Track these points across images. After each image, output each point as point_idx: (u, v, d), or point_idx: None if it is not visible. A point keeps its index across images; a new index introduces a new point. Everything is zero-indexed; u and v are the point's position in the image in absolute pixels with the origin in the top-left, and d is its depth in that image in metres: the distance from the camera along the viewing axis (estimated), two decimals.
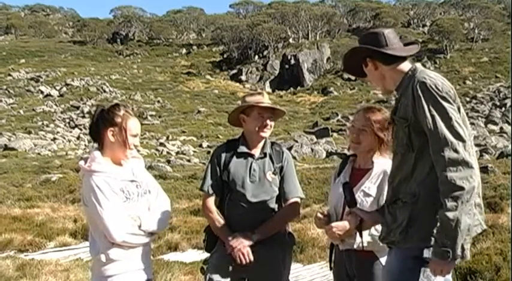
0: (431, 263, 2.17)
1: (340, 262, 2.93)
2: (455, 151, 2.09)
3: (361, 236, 2.70)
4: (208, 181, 3.16)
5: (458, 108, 2.21)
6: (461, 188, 2.07)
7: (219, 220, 3.12)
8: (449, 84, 2.23)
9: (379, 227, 2.62)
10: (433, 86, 2.16)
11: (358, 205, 2.74)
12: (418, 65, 2.35)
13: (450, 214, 2.07)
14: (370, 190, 2.79)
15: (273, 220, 3.11)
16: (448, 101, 2.16)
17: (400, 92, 2.32)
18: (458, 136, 2.11)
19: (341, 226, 2.77)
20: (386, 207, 2.39)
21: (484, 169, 13.34)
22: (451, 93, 2.19)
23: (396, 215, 2.30)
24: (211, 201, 3.17)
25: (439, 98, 2.15)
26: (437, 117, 2.12)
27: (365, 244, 2.75)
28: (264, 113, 3.11)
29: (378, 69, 2.40)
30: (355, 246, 2.78)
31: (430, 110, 2.13)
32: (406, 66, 2.36)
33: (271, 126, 3.15)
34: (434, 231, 2.15)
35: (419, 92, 2.16)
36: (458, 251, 2.10)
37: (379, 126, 2.80)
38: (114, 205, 2.59)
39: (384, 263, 2.76)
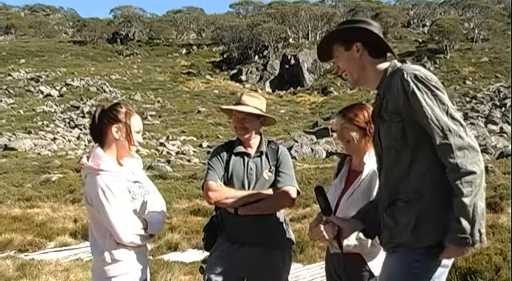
0: (448, 250, 2.15)
1: (330, 261, 2.93)
2: (460, 136, 2.09)
3: (340, 247, 2.55)
4: (216, 172, 3.11)
5: None
6: (473, 173, 2.07)
7: (233, 192, 3.07)
8: (434, 76, 2.24)
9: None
10: (424, 77, 2.16)
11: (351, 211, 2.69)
12: (396, 61, 2.33)
13: (467, 200, 2.06)
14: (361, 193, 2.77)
15: (262, 201, 3.05)
16: (441, 91, 2.17)
17: (383, 89, 2.28)
18: (458, 122, 2.12)
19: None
20: (384, 210, 2.31)
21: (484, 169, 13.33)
22: (439, 83, 2.21)
23: (397, 217, 2.24)
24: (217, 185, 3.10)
25: (433, 88, 2.15)
26: (435, 107, 2.12)
27: (350, 248, 2.72)
28: (238, 114, 3.15)
29: (362, 57, 2.35)
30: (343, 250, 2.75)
31: (426, 101, 2.13)
32: (385, 63, 2.36)
33: (247, 128, 3.13)
34: (452, 221, 2.11)
35: (412, 84, 2.15)
36: (477, 237, 2.09)
37: (357, 119, 2.83)
38: (123, 205, 2.58)
39: (371, 268, 2.74)
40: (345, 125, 2.85)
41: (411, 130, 2.18)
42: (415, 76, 2.16)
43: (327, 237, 2.50)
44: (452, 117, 2.12)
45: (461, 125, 2.12)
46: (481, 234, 2.11)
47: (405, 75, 2.17)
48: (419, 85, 2.14)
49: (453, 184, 2.08)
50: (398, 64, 2.30)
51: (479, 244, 2.14)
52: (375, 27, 2.38)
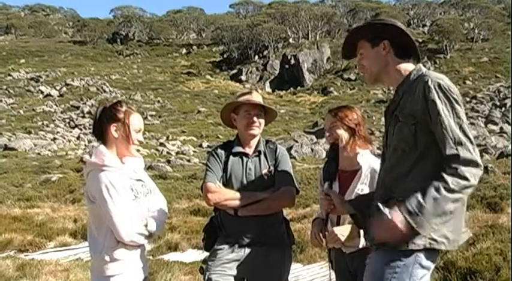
0: (389, 216, 2.14)
1: (340, 260, 2.94)
2: (469, 151, 2.14)
3: (326, 222, 2.71)
4: (215, 173, 3.12)
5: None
6: (467, 180, 2.12)
7: (234, 194, 3.07)
8: (456, 88, 2.28)
9: None
10: (447, 88, 2.20)
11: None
12: (421, 66, 2.37)
13: (445, 192, 2.10)
14: (364, 192, 2.80)
15: (262, 201, 3.06)
16: (459, 105, 2.21)
17: (404, 89, 2.32)
18: (469, 139, 2.17)
19: (343, 229, 2.78)
20: (376, 207, 2.33)
21: (484, 169, 13.34)
22: (460, 97, 2.24)
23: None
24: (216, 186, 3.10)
25: (453, 100, 2.19)
26: (451, 119, 2.16)
27: (362, 245, 2.74)
28: (250, 110, 3.13)
29: (387, 56, 2.38)
30: (360, 246, 2.77)
31: (443, 111, 2.17)
32: (410, 65, 2.39)
33: (260, 123, 3.15)
34: (416, 199, 2.12)
35: (434, 92, 2.19)
36: (426, 228, 2.12)
37: (348, 119, 2.90)
38: (126, 203, 2.57)
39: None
40: (335, 123, 2.91)
41: (422, 135, 2.22)
42: (439, 85, 2.20)
43: (349, 229, 2.61)
44: (464, 133, 2.16)
45: (472, 142, 2.17)
46: (433, 230, 2.14)
47: (429, 82, 2.21)
48: (441, 94, 2.18)
49: (446, 175, 2.11)
50: (424, 69, 2.34)
51: (423, 241, 2.16)
52: (403, 27, 2.42)
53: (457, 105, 2.19)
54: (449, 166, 2.13)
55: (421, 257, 2.24)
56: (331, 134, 2.92)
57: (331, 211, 2.66)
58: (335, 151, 2.78)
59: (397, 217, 2.13)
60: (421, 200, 2.12)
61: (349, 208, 2.54)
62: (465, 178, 2.11)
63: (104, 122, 2.67)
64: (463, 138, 2.15)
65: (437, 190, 2.11)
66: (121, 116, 2.66)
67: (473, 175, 2.13)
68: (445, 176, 2.12)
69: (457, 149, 2.13)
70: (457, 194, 2.13)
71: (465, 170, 2.12)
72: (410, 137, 2.24)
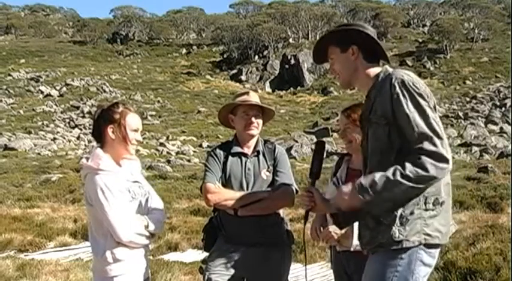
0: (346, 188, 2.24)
1: (338, 260, 2.95)
2: (434, 145, 2.14)
3: (306, 219, 2.68)
4: (214, 174, 3.11)
5: (434, 108, 2.25)
6: (427, 171, 2.11)
7: (234, 193, 3.07)
8: (423, 83, 2.28)
9: None
10: (411, 84, 2.21)
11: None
12: (387, 66, 2.39)
13: (399, 177, 2.11)
14: None
15: (261, 201, 3.05)
16: (425, 99, 2.21)
17: (374, 93, 2.33)
18: (436, 133, 2.16)
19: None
20: (368, 212, 2.33)
21: (484, 169, 13.37)
22: (427, 91, 2.25)
23: (379, 218, 2.27)
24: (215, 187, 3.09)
25: (417, 95, 2.20)
26: (416, 114, 2.17)
27: (355, 246, 2.72)
28: (248, 111, 3.13)
29: (356, 60, 2.40)
30: (352, 249, 2.77)
31: (408, 106, 2.18)
32: (377, 68, 2.41)
33: (258, 124, 3.15)
34: (372, 177, 2.18)
35: (398, 89, 2.21)
36: (373, 205, 2.19)
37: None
38: (122, 204, 2.58)
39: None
40: (349, 125, 2.89)
41: (396, 135, 2.23)
42: (402, 81, 2.22)
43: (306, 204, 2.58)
44: (430, 127, 2.16)
45: (439, 136, 2.16)
46: (425, 226, 2.17)
47: (393, 80, 2.24)
48: (404, 91, 2.20)
49: (407, 163, 2.13)
50: (390, 69, 2.35)
51: (417, 237, 2.18)
52: (371, 32, 2.43)
53: (421, 100, 2.19)
54: (413, 157, 2.14)
55: (422, 253, 2.23)
56: (345, 135, 2.91)
57: (311, 209, 2.62)
58: (321, 149, 2.74)
59: (347, 187, 2.23)
60: (376, 179, 2.16)
61: (331, 208, 2.54)
62: (425, 169, 2.11)
63: (102, 124, 2.69)
64: (428, 132, 2.15)
65: (394, 173, 2.14)
66: (117, 116, 2.67)
67: (435, 167, 2.12)
68: (405, 163, 2.14)
69: (421, 142, 2.14)
70: (411, 183, 2.12)
71: (426, 161, 2.11)
72: (385, 138, 2.25)
